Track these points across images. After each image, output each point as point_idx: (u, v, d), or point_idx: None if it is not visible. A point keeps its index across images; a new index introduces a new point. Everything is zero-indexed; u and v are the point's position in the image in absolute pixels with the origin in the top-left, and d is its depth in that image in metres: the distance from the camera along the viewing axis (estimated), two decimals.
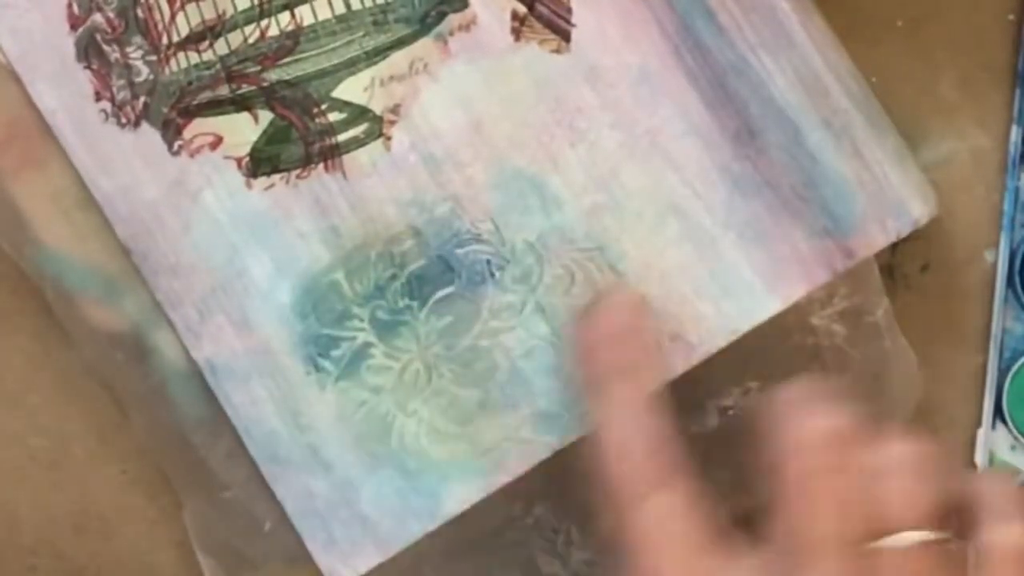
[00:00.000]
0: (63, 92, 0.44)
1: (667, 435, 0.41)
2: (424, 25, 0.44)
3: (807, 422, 0.40)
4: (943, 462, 0.40)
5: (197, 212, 0.44)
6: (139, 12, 0.44)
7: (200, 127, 0.44)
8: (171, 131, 0.44)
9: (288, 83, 0.44)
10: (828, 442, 0.40)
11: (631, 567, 0.40)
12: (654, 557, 0.40)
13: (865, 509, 0.39)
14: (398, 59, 0.44)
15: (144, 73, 0.44)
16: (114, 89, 0.44)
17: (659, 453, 0.41)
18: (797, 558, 0.39)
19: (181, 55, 0.44)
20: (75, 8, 0.44)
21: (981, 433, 0.49)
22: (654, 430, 0.41)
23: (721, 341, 0.44)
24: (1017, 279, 0.48)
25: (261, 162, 0.44)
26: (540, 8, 0.44)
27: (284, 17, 0.44)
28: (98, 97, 0.44)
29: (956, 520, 0.40)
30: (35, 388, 0.48)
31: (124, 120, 0.44)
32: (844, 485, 0.39)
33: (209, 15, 0.44)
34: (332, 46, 0.44)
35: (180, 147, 0.44)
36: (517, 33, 0.44)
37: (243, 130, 0.44)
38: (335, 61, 0.44)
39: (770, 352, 0.46)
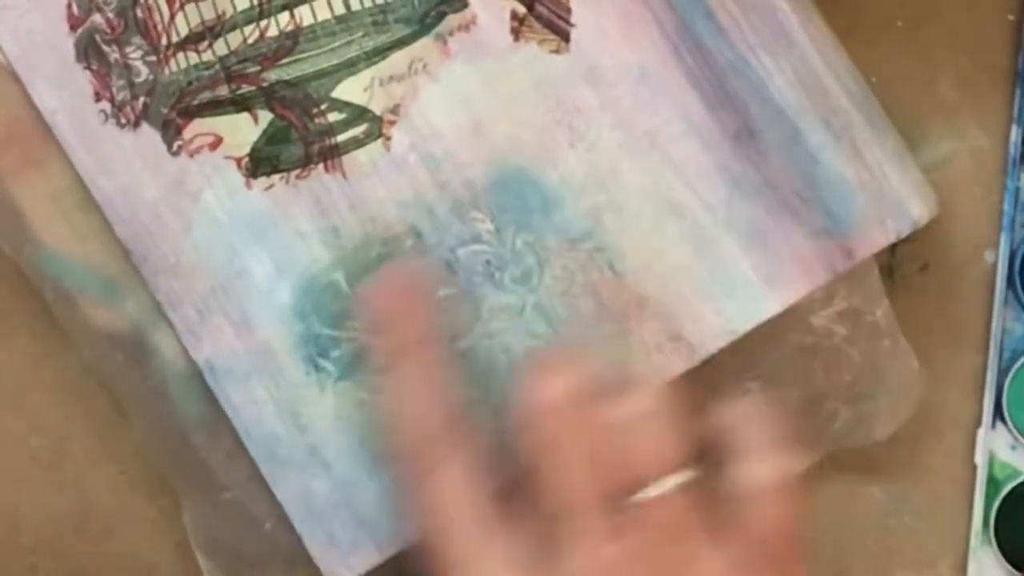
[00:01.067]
0: (63, 92, 0.44)
1: (452, 410, 0.41)
2: (424, 25, 0.44)
3: (549, 384, 0.40)
4: (687, 404, 0.41)
5: (197, 212, 0.44)
6: (139, 12, 0.44)
7: (200, 127, 0.44)
8: (171, 131, 0.44)
9: (288, 83, 0.44)
10: (571, 402, 0.40)
11: (422, 534, 0.41)
12: (440, 525, 0.40)
13: (617, 463, 0.39)
14: (398, 59, 0.44)
15: (144, 73, 0.44)
16: (114, 89, 0.44)
17: (444, 428, 0.41)
18: (555, 519, 0.39)
19: (181, 55, 0.44)
20: (75, 9, 0.44)
21: (981, 433, 0.49)
22: (441, 404, 0.41)
23: (721, 341, 0.44)
24: (1017, 279, 0.48)
25: (261, 162, 0.44)
26: (540, 8, 0.44)
27: (283, 17, 0.44)
28: (98, 97, 0.44)
29: (713, 456, 0.40)
30: (35, 388, 0.48)
31: (124, 120, 0.44)
32: (592, 442, 0.40)
33: (208, 15, 0.44)
34: (332, 46, 0.44)
35: (180, 147, 0.44)
36: (517, 33, 0.44)
37: (243, 130, 0.44)
38: (335, 61, 0.44)
39: (770, 352, 0.46)
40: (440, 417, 0.41)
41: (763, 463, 0.40)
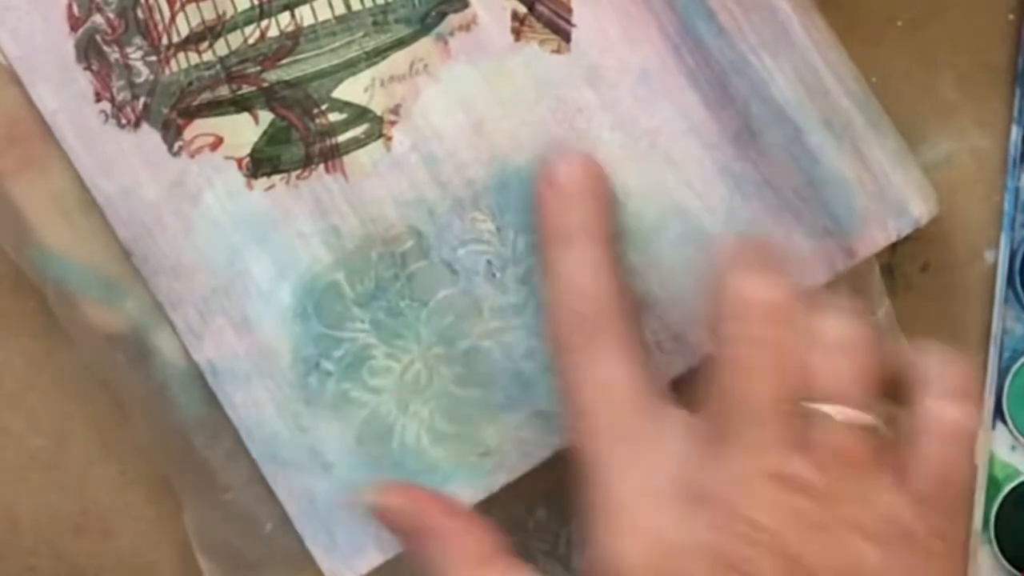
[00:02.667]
0: (63, 93, 0.44)
1: (614, 293, 0.41)
2: (424, 25, 0.44)
3: (747, 289, 0.39)
4: (880, 339, 0.40)
5: (198, 213, 0.44)
6: (139, 13, 0.43)
7: (200, 128, 0.44)
8: (171, 132, 0.44)
9: (288, 84, 0.44)
10: (766, 312, 0.39)
11: (571, 418, 0.41)
12: (592, 410, 0.40)
13: (799, 378, 0.39)
14: (398, 59, 0.44)
15: (144, 74, 0.44)
16: (114, 90, 0.44)
17: (604, 310, 0.41)
18: (728, 420, 0.39)
19: (181, 56, 0.44)
20: (75, 9, 0.44)
21: (981, 433, 0.49)
22: (603, 287, 0.41)
23: None
24: (1017, 279, 0.48)
25: (261, 163, 0.44)
26: (540, 8, 0.44)
27: (284, 18, 0.44)
28: (98, 98, 0.44)
29: (895, 396, 0.40)
30: (35, 388, 0.48)
31: (124, 121, 0.44)
32: (779, 354, 0.39)
33: (209, 16, 0.44)
34: (332, 47, 0.44)
35: (180, 148, 0.44)
36: (517, 33, 0.44)
37: (243, 131, 0.44)
38: (335, 62, 0.44)
39: None
40: (602, 298, 0.41)
41: (953, 405, 0.40)
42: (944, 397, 0.40)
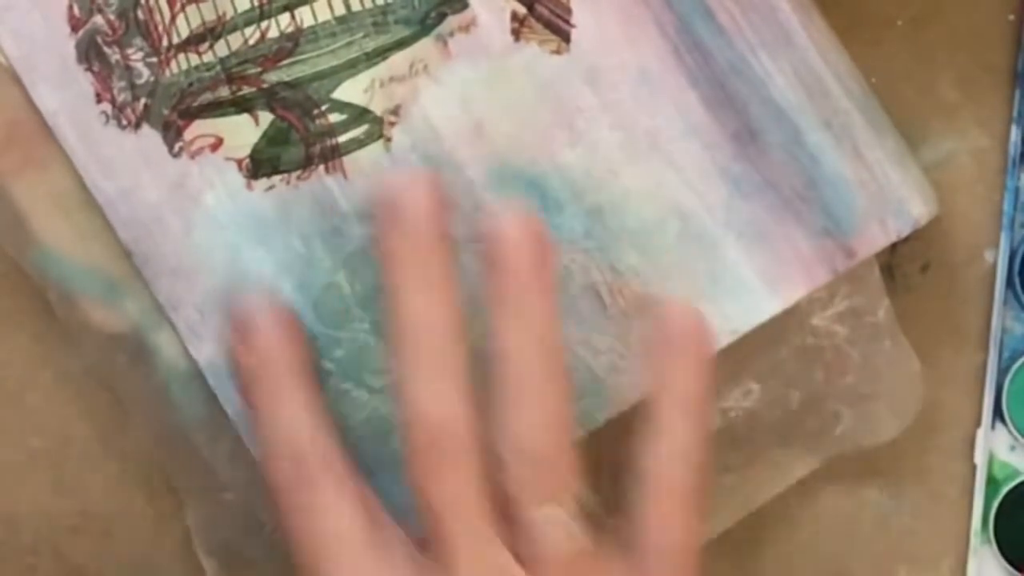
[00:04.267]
0: (64, 94, 0.44)
1: (329, 437, 0.41)
2: (424, 26, 0.44)
3: (434, 394, 0.39)
4: (565, 426, 0.40)
5: (198, 214, 0.44)
6: (140, 14, 0.43)
7: (201, 129, 0.44)
8: (172, 133, 0.44)
9: (288, 84, 0.44)
10: (432, 440, 0.39)
11: (300, 567, 0.41)
12: (321, 558, 0.40)
13: (511, 484, 0.39)
14: (398, 60, 0.44)
15: (145, 75, 0.44)
16: (115, 91, 0.44)
17: (323, 456, 0.41)
18: (441, 544, 0.39)
19: (181, 57, 0.44)
20: (76, 10, 0.44)
21: (981, 433, 0.49)
22: (316, 428, 0.41)
23: (721, 341, 0.44)
24: (1017, 279, 0.48)
25: (262, 163, 0.44)
26: (540, 9, 0.44)
27: (284, 19, 0.44)
28: (99, 99, 0.44)
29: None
30: (35, 388, 0.48)
31: (125, 122, 0.44)
32: (459, 477, 0.39)
33: (209, 17, 0.44)
34: (332, 47, 0.44)
35: (181, 149, 0.44)
36: (517, 34, 0.44)
37: (243, 132, 0.44)
38: (335, 62, 0.44)
39: (770, 353, 0.46)
40: (317, 447, 0.41)
41: (672, 462, 0.40)
42: (664, 447, 0.40)
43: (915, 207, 0.45)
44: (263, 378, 0.42)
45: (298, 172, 0.44)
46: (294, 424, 0.41)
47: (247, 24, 0.44)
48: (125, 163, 0.44)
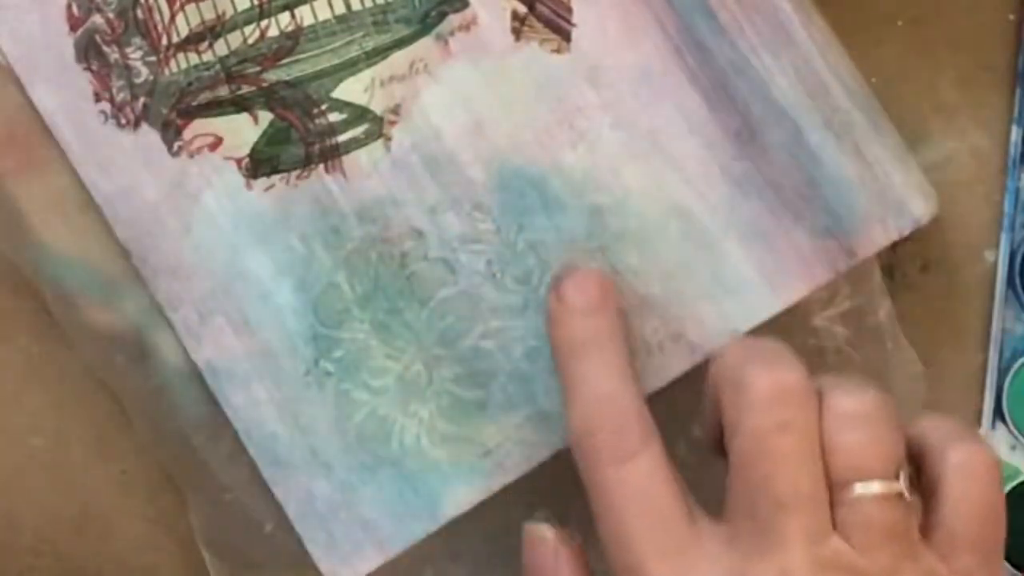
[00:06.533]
0: (63, 93, 0.44)
1: (641, 402, 0.41)
2: (424, 25, 0.44)
3: (757, 380, 0.39)
4: (892, 410, 0.40)
5: (197, 213, 0.44)
6: (139, 13, 0.43)
7: (200, 128, 0.44)
8: (171, 132, 0.44)
9: (288, 84, 0.44)
10: (779, 398, 0.39)
11: (603, 533, 0.40)
12: (626, 524, 0.40)
13: (825, 462, 0.39)
14: (398, 59, 0.44)
15: (144, 74, 0.44)
16: (114, 90, 0.44)
17: (635, 420, 0.40)
18: (761, 515, 0.38)
19: (181, 56, 0.44)
20: (75, 9, 0.44)
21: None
22: (630, 396, 0.41)
23: (722, 341, 0.44)
24: (1017, 279, 0.48)
25: (261, 163, 0.44)
26: (540, 8, 0.44)
27: (284, 18, 0.44)
28: (98, 98, 0.44)
29: (909, 465, 0.40)
30: (35, 388, 0.48)
31: (124, 121, 0.44)
32: (800, 439, 0.38)
33: (209, 16, 0.44)
34: (332, 46, 0.44)
35: (180, 148, 0.44)
36: (518, 33, 0.44)
37: (243, 131, 0.44)
38: (335, 61, 0.44)
39: None
40: (627, 410, 0.40)
41: (972, 445, 0.40)
42: (959, 441, 0.40)
43: (916, 206, 0.45)
44: (588, 346, 0.41)
45: (297, 172, 0.44)
46: (617, 395, 0.41)
47: (247, 23, 0.44)
48: (124, 162, 0.44)
